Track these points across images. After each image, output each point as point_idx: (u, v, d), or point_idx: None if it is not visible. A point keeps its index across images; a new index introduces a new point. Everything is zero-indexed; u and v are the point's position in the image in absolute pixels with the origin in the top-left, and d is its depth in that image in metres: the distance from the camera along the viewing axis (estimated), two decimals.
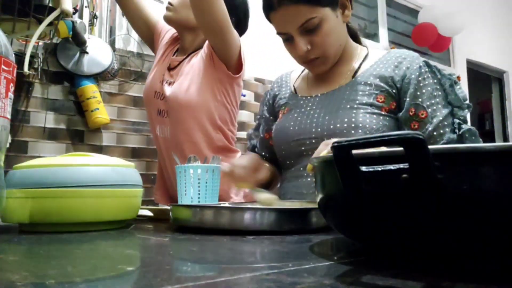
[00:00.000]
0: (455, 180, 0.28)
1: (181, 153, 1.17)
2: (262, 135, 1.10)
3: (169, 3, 1.24)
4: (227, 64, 1.18)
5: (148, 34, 1.40)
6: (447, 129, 0.82)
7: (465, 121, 0.83)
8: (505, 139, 4.70)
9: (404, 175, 0.28)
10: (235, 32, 1.14)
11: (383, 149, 0.32)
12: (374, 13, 3.68)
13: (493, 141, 4.71)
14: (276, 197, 0.81)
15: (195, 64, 1.21)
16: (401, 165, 0.28)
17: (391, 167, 0.29)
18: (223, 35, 1.11)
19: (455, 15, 3.52)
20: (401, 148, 0.28)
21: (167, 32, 1.38)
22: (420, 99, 0.84)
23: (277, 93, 1.08)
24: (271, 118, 1.09)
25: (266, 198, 0.79)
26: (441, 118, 0.82)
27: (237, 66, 1.21)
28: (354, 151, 0.30)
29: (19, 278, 0.28)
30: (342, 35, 0.92)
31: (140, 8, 1.34)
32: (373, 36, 3.66)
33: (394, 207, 0.31)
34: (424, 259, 0.32)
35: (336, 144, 0.30)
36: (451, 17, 3.51)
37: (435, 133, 0.82)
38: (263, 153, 1.10)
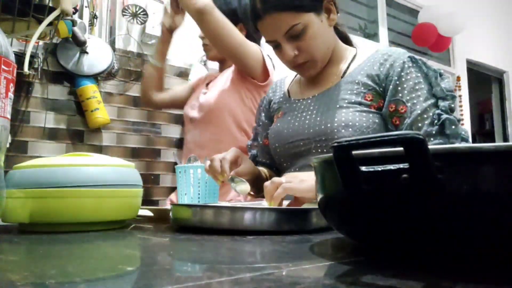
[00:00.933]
0: (455, 180, 0.28)
1: (206, 151, 1.26)
2: (261, 142, 1.11)
3: (204, 44, 1.44)
4: (253, 75, 1.32)
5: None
6: (425, 122, 0.82)
7: (447, 112, 0.82)
8: (505, 139, 4.70)
9: (404, 175, 0.28)
10: (253, 48, 1.25)
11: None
12: (374, 13, 3.68)
13: (493, 141, 4.71)
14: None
15: (227, 76, 1.39)
16: (401, 165, 0.28)
17: (391, 167, 0.29)
18: (240, 55, 1.24)
19: (455, 15, 3.52)
20: (401, 148, 0.28)
21: (199, 79, 1.62)
22: (400, 94, 0.85)
23: (271, 98, 1.11)
24: (269, 123, 1.10)
25: (240, 189, 0.81)
26: (419, 112, 0.82)
27: (264, 75, 1.33)
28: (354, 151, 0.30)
29: (19, 278, 0.28)
30: (329, 38, 0.93)
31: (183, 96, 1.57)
32: (373, 36, 3.66)
33: (394, 207, 0.30)
34: (424, 259, 0.32)
35: (336, 144, 0.30)
36: (451, 17, 3.51)
37: (413, 127, 0.83)
38: (264, 160, 1.10)
